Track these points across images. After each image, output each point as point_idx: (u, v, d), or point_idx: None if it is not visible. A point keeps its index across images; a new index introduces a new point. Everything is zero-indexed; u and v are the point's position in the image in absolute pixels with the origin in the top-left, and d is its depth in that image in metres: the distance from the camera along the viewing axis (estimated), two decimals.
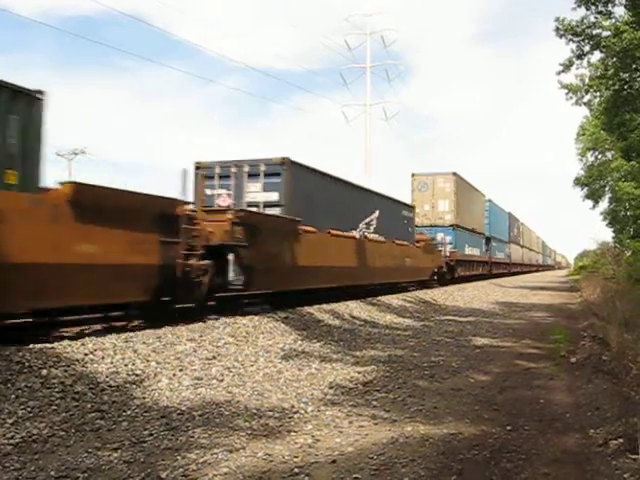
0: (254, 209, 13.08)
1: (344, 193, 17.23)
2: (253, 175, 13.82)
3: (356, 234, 17.36)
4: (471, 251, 34.20)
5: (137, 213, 8.92)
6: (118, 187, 8.76)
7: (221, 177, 14.03)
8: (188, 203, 10.49)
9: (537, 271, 69.00)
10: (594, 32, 20.51)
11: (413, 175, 30.29)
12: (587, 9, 19.81)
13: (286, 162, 13.69)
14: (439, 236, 28.98)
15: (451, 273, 29.86)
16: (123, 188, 8.93)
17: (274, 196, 13.67)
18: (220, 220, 10.94)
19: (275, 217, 13.12)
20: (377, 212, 18.56)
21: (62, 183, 7.97)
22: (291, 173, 13.80)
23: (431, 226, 29.46)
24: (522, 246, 56.89)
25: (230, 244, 10.90)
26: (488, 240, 39.33)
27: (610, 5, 19.64)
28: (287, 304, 12.87)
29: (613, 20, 20.26)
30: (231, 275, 10.87)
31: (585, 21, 20.43)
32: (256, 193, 13.78)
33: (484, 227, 38.45)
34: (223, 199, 13.74)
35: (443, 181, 30.14)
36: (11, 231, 6.95)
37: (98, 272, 8.15)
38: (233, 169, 13.95)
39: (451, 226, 30.07)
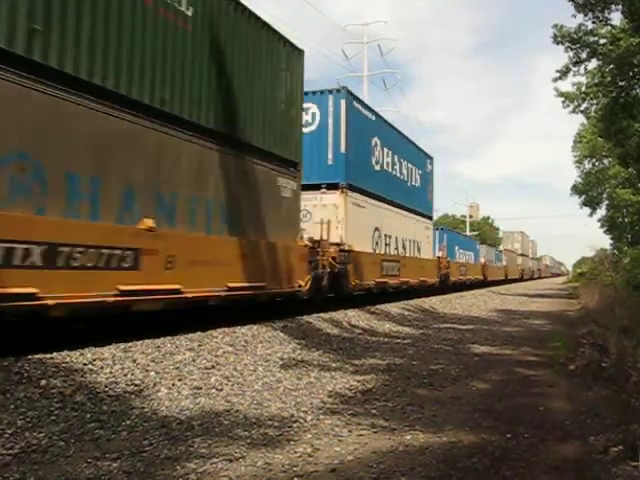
0: None
1: None
2: None
3: None
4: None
5: None
6: None
7: None
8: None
9: (553, 277, 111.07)
10: (591, 39, 20.67)
11: None
12: (585, 15, 19.96)
13: None
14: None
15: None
16: None
17: None
18: None
19: None
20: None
21: None
22: None
23: None
24: (552, 267, 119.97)
25: None
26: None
27: (607, 11, 19.79)
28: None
29: (609, 27, 20.42)
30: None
31: (582, 28, 20.60)
32: None
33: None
34: None
35: None
36: None
37: None
38: None
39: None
